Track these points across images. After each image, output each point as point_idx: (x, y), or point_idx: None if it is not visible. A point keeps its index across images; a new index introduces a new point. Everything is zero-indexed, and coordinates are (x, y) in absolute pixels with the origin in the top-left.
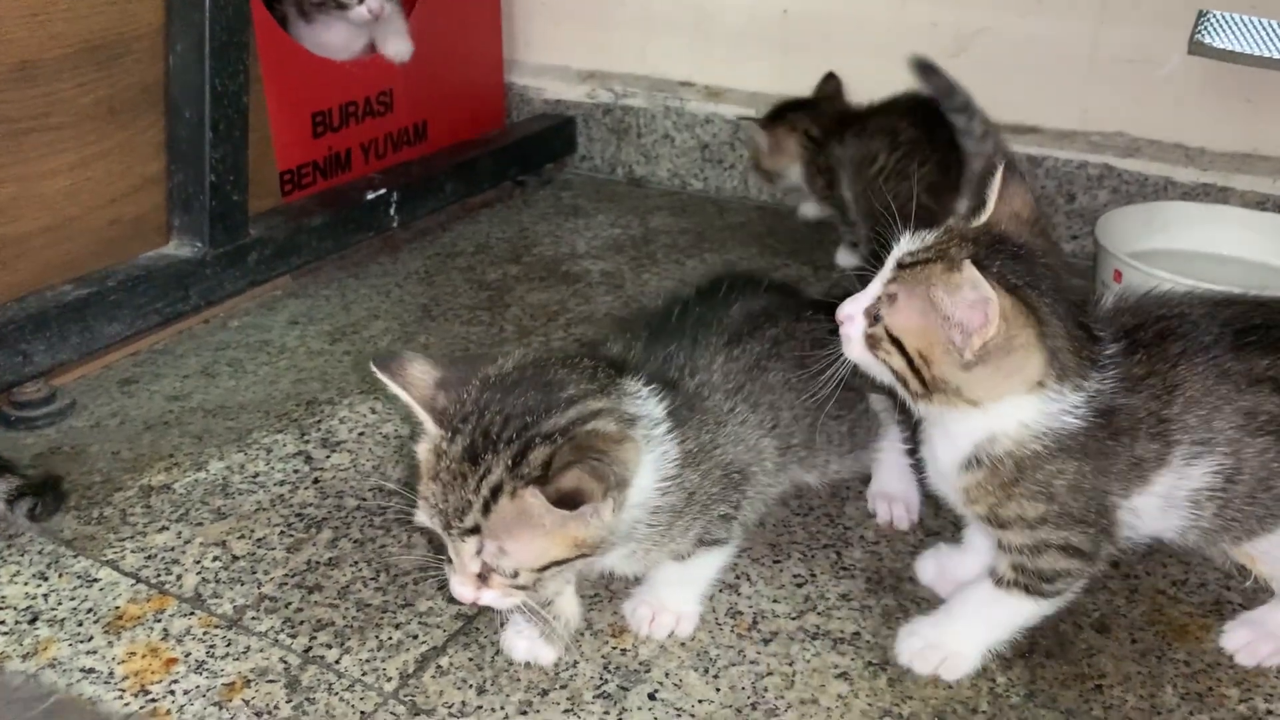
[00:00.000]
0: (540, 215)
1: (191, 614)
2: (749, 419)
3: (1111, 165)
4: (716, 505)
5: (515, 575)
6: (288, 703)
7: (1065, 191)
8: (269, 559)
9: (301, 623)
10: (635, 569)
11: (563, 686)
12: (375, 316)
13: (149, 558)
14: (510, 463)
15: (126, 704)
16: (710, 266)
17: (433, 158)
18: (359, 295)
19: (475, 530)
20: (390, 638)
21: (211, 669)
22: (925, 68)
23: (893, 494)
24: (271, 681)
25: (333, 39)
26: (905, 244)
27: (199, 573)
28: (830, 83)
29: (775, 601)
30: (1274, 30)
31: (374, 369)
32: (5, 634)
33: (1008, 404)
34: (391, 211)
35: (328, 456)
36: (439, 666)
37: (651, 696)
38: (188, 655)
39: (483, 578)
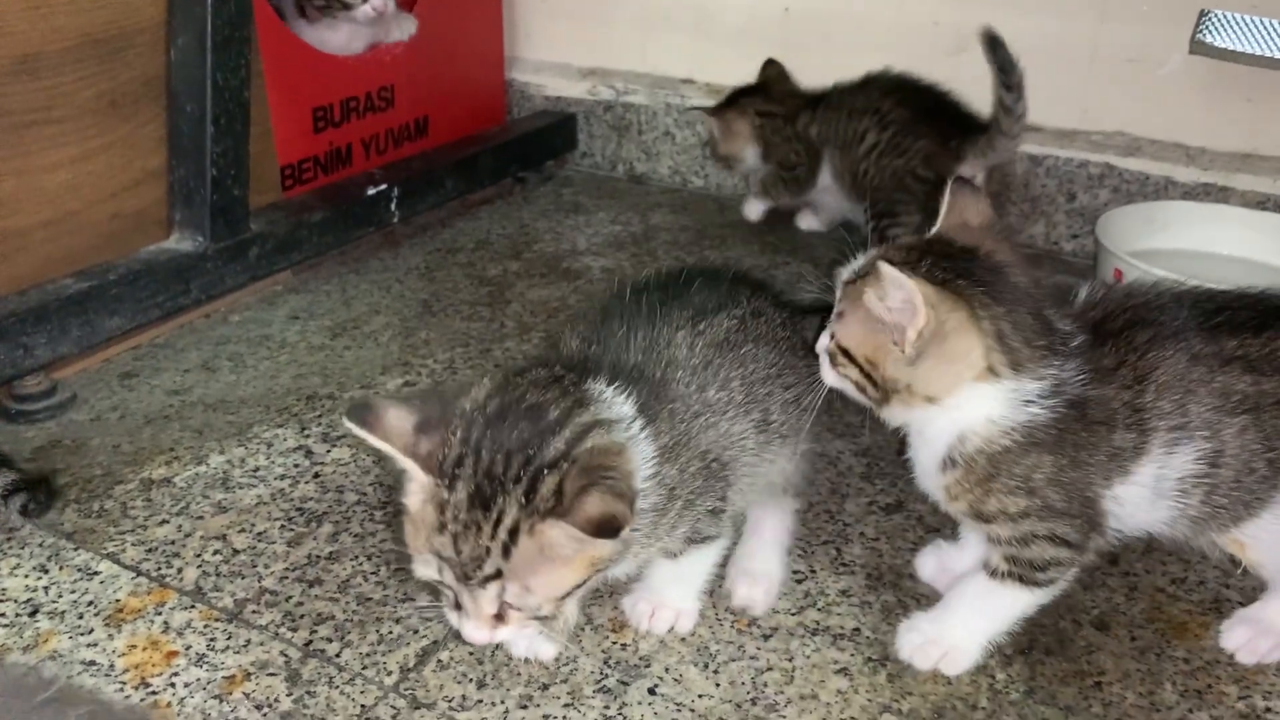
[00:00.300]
0: (541, 212)
1: (192, 607)
2: (720, 400)
3: (1112, 164)
4: (701, 500)
5: (538, 609)
6: (288, 696)
7: (1066, 190)
8: (269, 553)
9: (302, 616)
10: (627, 570)
11: (563, 681)
12: (376, 312)
13: (149, 551)
14: (523, 499)
15: (127, 696)
16: (710, 263)
17: (433, 154)
18: (360, 290)
19: (497, 575)
20: (390, 631)
21: (212, 662)
22: (993, 40)
23: (754, 572)
24: (272, 675)
25: (335, 38)
26: (850, 265)
27: (199, 566)
28: (772, 67)
29: (776, 597)
30: (1275, 30)
31: (347, 424)
32: (6, 626)
33: (967, 398)
34: (392, 207)
35: (328, 451)
36: (439, 661)
37: (651, 691)
38: (188, 648)
39: (499, 616)
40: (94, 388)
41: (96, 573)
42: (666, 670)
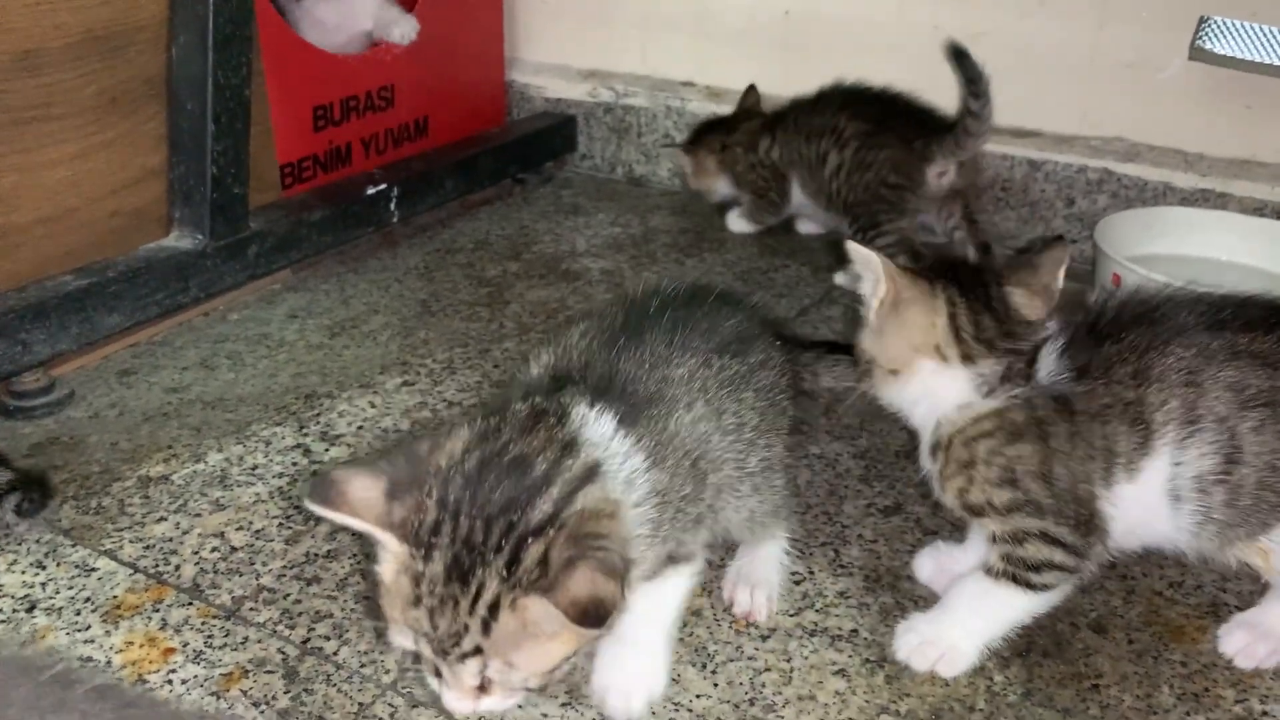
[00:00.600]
0: (540, 213)
1: (190, 604)
2: (702, 405)
3: (1111, 170)
4: (691, 506)
5: (524, 683)
6: (285, 693)
7: (1065, 195)
8: (267, 550)
9: (300, 614)
10: None
11: (560, 680)
12: (375, 311)
13: (147, 548)
14: (504, 572)
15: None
16: (709, 266)
17: (433, 154)
18: (358, 290)
19: (476, 651)
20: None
21: (209, 659)
22: (958, 52)
23: (754, 579)
24: (270, 672)
25: (327, 16)
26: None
27: (197, 563)
28: (750, 95)
29: None
30: (1274, 37)
31: (310, 505)
32: (3, 622)
33: (922, 377)
34: (392, 207)
35: (326, 450)
36: None
37: (667, 639)
38: (186, 645)
39: (481, 687)
40: (92, 385)
41: (94, 569)
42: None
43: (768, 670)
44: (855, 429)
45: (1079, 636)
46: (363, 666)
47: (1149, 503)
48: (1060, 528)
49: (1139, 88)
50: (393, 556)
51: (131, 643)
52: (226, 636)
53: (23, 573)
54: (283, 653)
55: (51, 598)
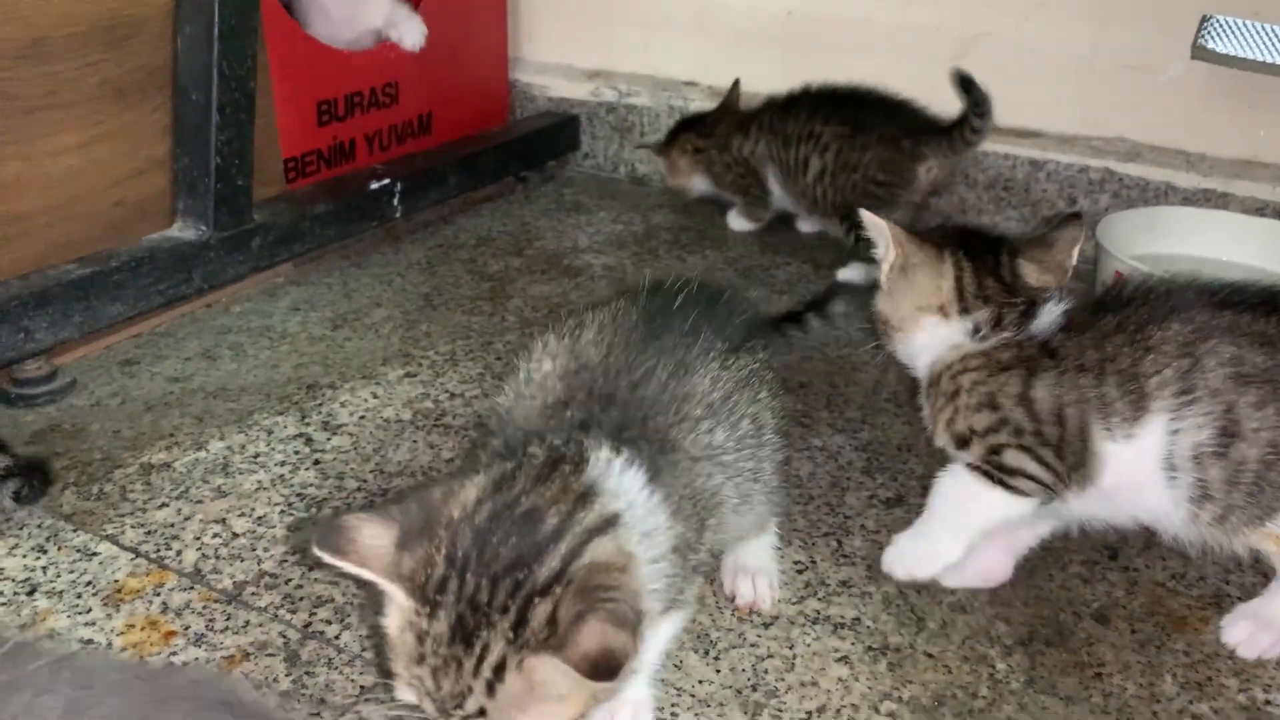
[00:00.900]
0: (542, 211)
1: (191, 588)
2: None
3: (1113, 170)
4: (693, 555)
5: None
6: (287, 676)
7: (1066, 195)
8: (269, 536)
9: (301, 599)
10: None
11: None
12: (377, 304)
13: (149, 533)
14: (510, 634)
15: None
16: (711, 263)
17: (436, 151)
18: (361, 284)
19: (480, 714)
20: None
21: (211, 642)
22: (965, 80)
23: (752, 568)
24: (271, 655)
25: (335, 9)
26: None
27: (199, 549)
28: (734, 90)
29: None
30: (1276, 36)
31: (318, 553)
32: (3, 605)
33: (927, 332)
34: (395, 202)
35: (329, 439)
36: None
37: (650, 678)
38: (187, 628)
39: None
40: (94, 374)
41: (95, 553)
42: (666, 656)
43: (770, 657)
44: (858, 422)
45: (1081, 626)
46: (364, 650)
47: (1144, 469)
48: (1044, 448)
49: (1140, 88)
50: (399, 610)
51: (133, 625)
52: (228, 620)
53: (23, 556)
54: (284, 636)
55: (52, 581)
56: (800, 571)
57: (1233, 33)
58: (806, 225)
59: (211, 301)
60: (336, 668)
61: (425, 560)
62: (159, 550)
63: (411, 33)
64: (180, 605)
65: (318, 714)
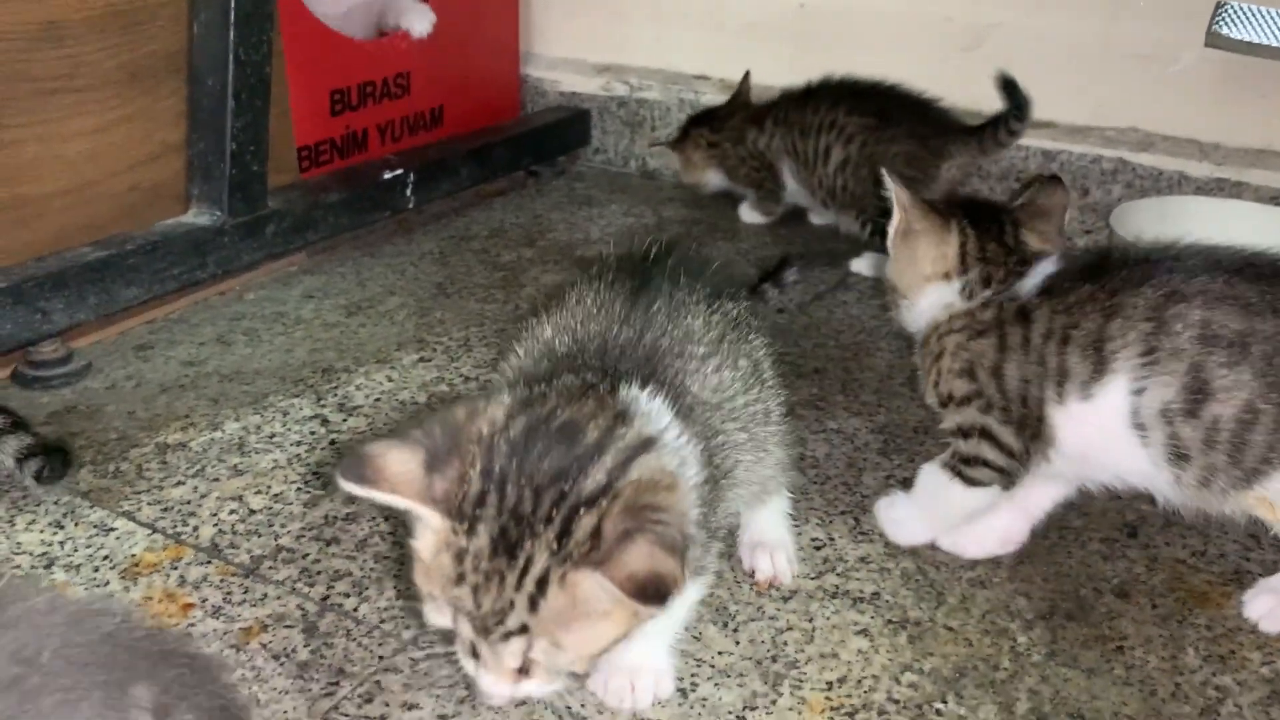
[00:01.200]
0: (554, 204)
1: (208, 563)
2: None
3: (1126, 160)
4: (713, 511)
5: (570, 666)
6: (305, 646)
7: (1079, 186)
8: (286, 513)
9: (319, 573)
10: None
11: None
12: (391, 293)
13: (165, 510)
14: (555, 545)
15: None
16: (723, 255)
17: (449, 142)
18: (374, 273)
19: (522, 630)
20: (409, 589)
21: (228, 614)
22: (1008, 82)
23: (770, 542)
24: (289, 627)
25: None
26: None
27: (215, 525)
28: (745, 83)
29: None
30: None
31: (344, 485)
32: (22, 578)
33: (929, 297)
34: (408, 192)
35: (344, 420)
36: None
37: (669, 647)
38: (204, 601)
39: (522, 669)
40: (109, 358)
41: (112, 529)
42: (685, 629)
43: (789, 629)
44: (873, 405)
45: (1102, 601)
46: (383, 622)
47: (1109, 429)
48: (1003, 426)
49: (1153, 78)
50: (433, 532)
51: (150, 598)
52: (245, 593)
53: (41, 532)
54: (302, 609)
55: (70, 555)
56: (818, 548)
57: (1248, 19)
58: (819, 218)
59: (225, 289)
60: (355, 639)
61: (459, 478)
62: (176, 526)
63: (419, 20)
64: (197, 579)
65: (336, 683)
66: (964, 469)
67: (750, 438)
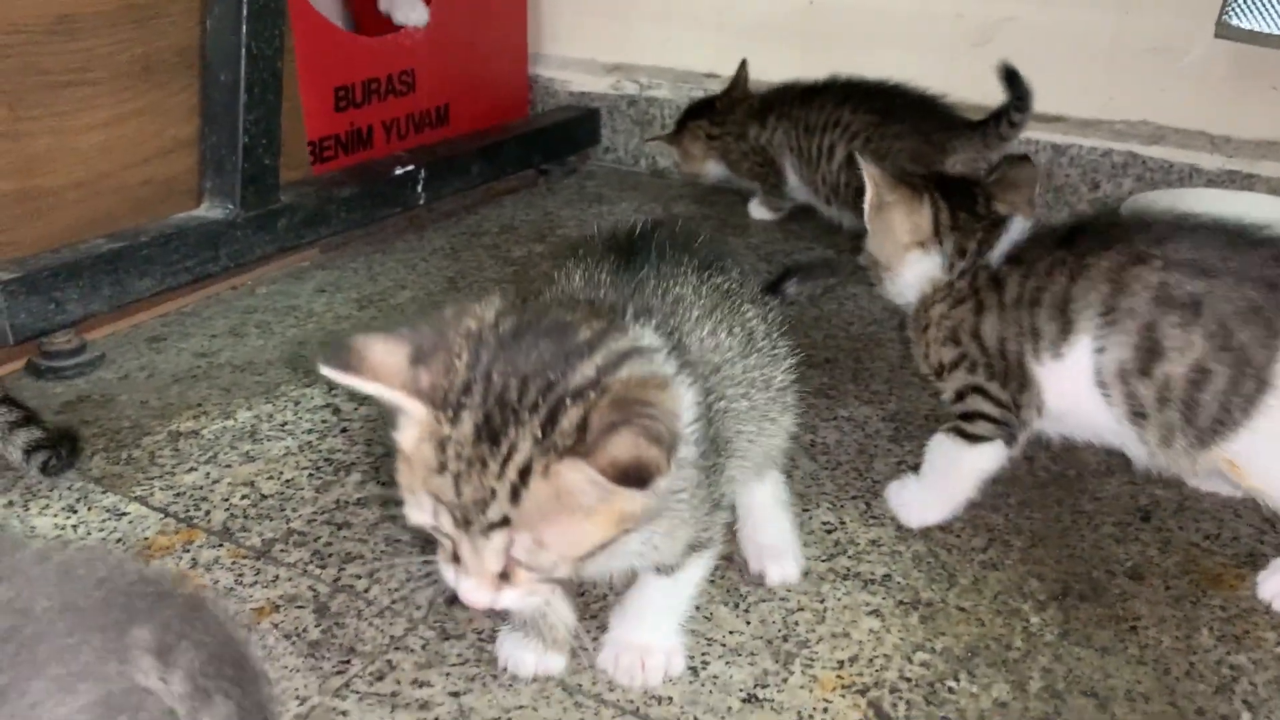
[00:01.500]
0: (564, 202)
1: (220, 545)
2: (730, 352)
3: (1136, 153)
4: (716, 478)
5: (553, 568)
6: (316, 626)
7: (1089, 180)
8: (298, 498)
9: (330, 555)
10: (632, 564)
11: (592, 617)
12: (402, 287)
13: (177, 495)
14: (539, 433)
15: None
16: (733, 249)
17: (459, 140)
18: (385, 268)
19: (504, 523)
20: (420, 570)
21: (240, 595)
22: (1010, 72)
23: (777, 547)
24: (300, 607)
25: None
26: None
27: (227, 509)
28: (742, 70)
29: (805, 545)
30: None
31: (325, 370)
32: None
33: (909, 266)
34: (419, 189)
35: (356, 409)
36: None
37: (680, 626)
38: (216, 582)
39: (504, 575)
40: (122, 350)
41: (125, 513)
42: (697, 609)
43: (800, 610)
44: (884, 394)
45: (1115, 583)
46: (394, 603)
47: (1079, 389)
48: (991, 382)
49: (1164, 70)
50: (415, 424)
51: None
52: (257, 575)
53: (54, 515)
54: (314, 590)
55: (83, 539)
56: (829, 532)
57: (1258, 8)
58: (759, 212)
59: (237, 284)
60: (366, 619)
61: (445, 369)
62: (188, 510)
63: (411, 9)
64: (209, 561)
65: (347, 661)
66: (966, 427)
67: (752, 405)
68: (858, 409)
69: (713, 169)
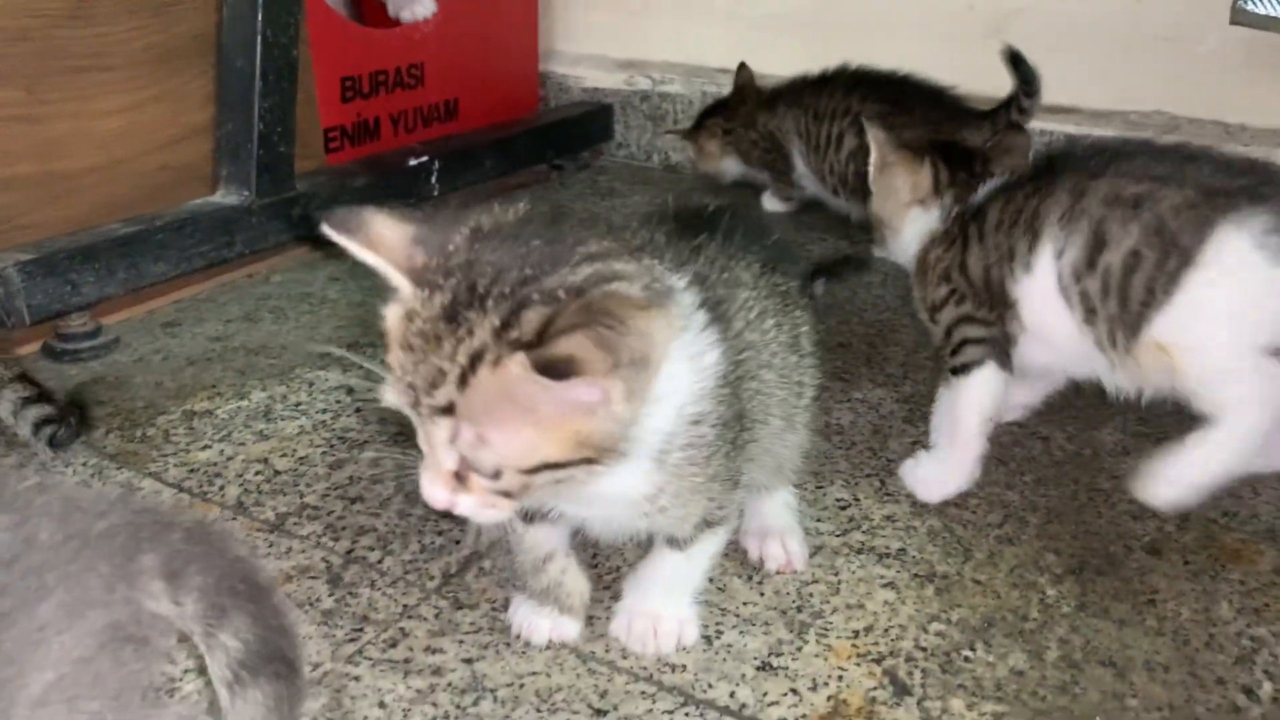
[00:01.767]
0: (577, 195)
1: (234, 519)
2: (771, 346)
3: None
4: (736, 455)
5: (498, 477)
6: (330, 596)
7: None
8: (311, 474)
9: (344, 528)
10: (649, 525)
11: (606, 588)
12: None
13: (191, 471)
14: (498, 324)
15: None
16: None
17: (472, 133)
18: None
19: (449, 410)
20: (433, 543)
21: None
22: (1015, 56)
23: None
24: (313, 578)
25: None
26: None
27: (241, 485)
28: (744, 72)
29: (819, 521)
30: None
31: (326, 230)
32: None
33: (911, 224)
34: (433, 180)
35: (370, 390)
36: (481, 568)
37: (693, 597)
38: None
39: (460, 478)
40: (137, 334)
41: (139, 489)
42: (710, 581)
43: (814, 582)
44: (898, 377)
45: (1133, 558)
46: (407, 574)
47: (1047, 296)
48: (979, 310)
49: (1178, 60)
50: (401, 302)
51: None
52: (270, 547)
53: None
54: (326, 561)
55: None
56: (843, 508)
57: None
58: (773, 205)
59: (252, 272)
60: (379, 589)
61: (438, 251)
62: (202, 486)
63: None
64: None
65: (360, 629)
66: (956, 360)
67: (783, 402)
68: (871, 391)
69: (729, 166)
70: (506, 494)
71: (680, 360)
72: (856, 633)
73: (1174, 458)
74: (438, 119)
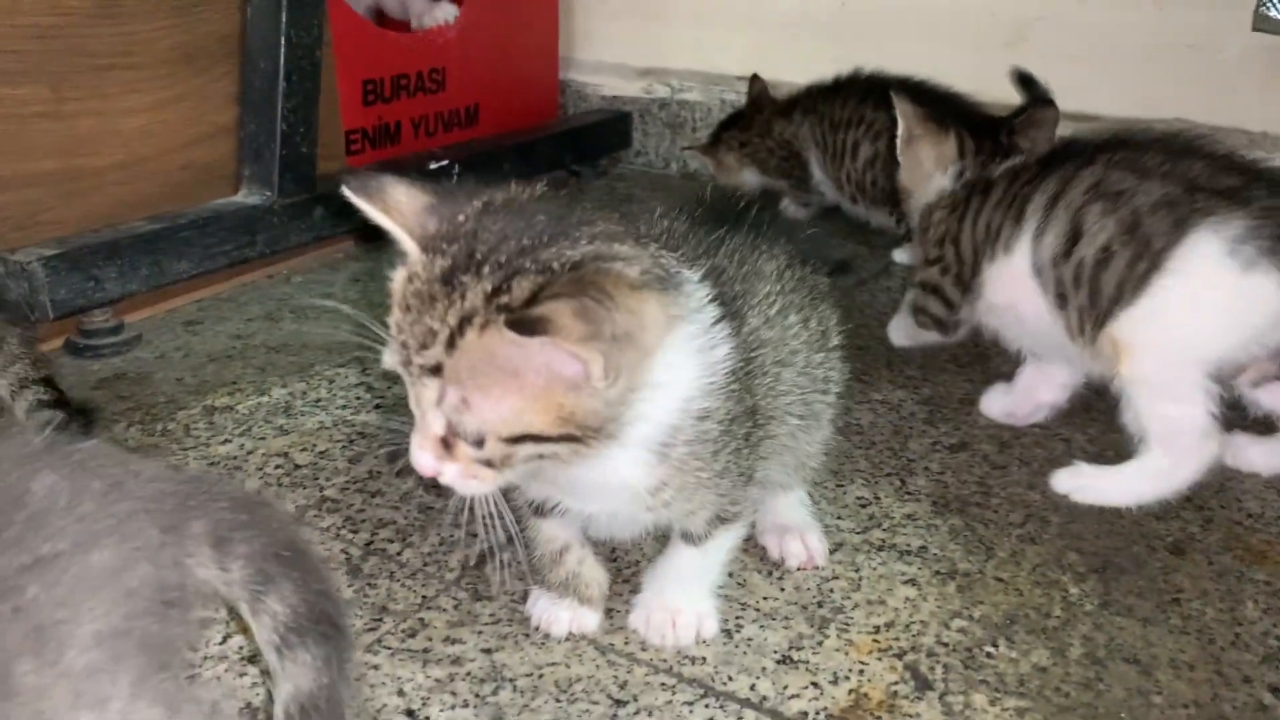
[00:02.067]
0: (595, 201)
1: None
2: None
3: None
4: (749, 452)
5: (481, 444)
6: (349, 586)
7: None
8: (330, 468)
9: (363, 521)
10: (655, 518)
11: (625, 581)
12: None
13: (211, 464)
14: (490, 289)
15: None
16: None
17: (492, 138)
18: None
19: (437, 370)
20: (452, 535)
21: None
22: (1024, 78)
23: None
24: (333, 569)
25: None
26: None
27: (261, 478)
28: (756, 84)
29: (839, 519)
30: None
31: (345, 192)
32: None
33: (929, 188)
34: (453, 183)
35: (389, 387)
36: (501, 561)
37: (712, 591)
38: None
39: (448, 446)
40: (159, 332)
41: None
42: (730, 575)
43: (835, 579)
44: (918, 379)
45: (1156, 557)
46: (426, 565)
47: (1021, 276)
48: (954, 288)
49: (1200, 68)
50: (407, 265)
51: None
52: None
53: None
54: (346, 553)
55: None
56: (863, 506)
57: None
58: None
59: (273, 273)
60: (399, 580)
61: (448, 218)
62: (222, 479)
63: (444, 11)
64: None
65: (379, 619)
66: (917, 317)
67: (804, 399)
68: (891, 393)
69: (749, 177)
70: (489, 463)
71: (686, 352)
72: (878, 628)
73: (1103, 469)
74: (458, 124)
